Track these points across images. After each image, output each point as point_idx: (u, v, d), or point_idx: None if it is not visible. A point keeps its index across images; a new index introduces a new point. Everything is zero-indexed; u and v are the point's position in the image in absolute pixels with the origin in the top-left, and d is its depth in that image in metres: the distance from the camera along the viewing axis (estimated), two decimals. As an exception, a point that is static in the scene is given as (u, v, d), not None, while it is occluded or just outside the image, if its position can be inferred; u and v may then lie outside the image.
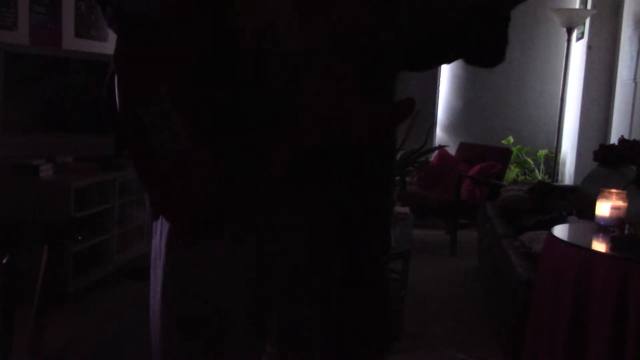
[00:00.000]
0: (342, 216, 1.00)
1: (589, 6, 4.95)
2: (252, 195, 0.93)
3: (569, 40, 4.80)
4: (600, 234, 2.34)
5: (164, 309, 1.04)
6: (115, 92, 0.96)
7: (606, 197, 2.38)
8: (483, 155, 5.10)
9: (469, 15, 0.88)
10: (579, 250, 2.18)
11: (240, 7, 0.91)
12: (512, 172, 5.58)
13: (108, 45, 4.14)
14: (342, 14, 0.91)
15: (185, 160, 0.94)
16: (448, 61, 1.09)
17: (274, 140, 0.91)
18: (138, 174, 0.97)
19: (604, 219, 2.38)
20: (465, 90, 5.89)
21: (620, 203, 2.36)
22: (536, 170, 5.62)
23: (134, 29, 0.95)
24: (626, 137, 3.85)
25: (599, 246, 2.24)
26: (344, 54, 0.90)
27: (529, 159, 5.69)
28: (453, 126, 5.99)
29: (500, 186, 4.47)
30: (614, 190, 2.40)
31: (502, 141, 5.65)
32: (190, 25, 0.94)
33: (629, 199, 2.40)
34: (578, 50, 5.25)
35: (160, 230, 1.05)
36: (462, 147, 5.51)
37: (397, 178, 4.48)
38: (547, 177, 5.41)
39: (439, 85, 5.92)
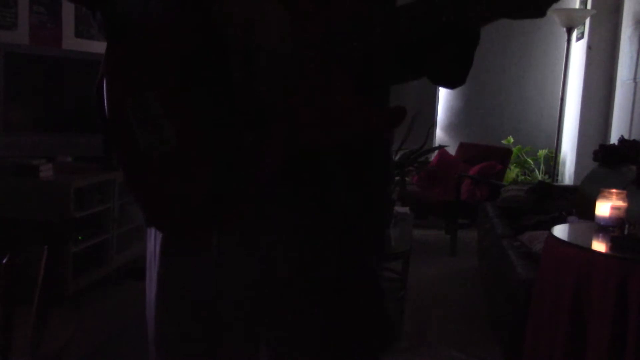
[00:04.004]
0: (336, 217, 1.00)
1: (589, 6, 4.94)
2: (244, 196, 0.93)
3: (569, 40, 4.80)
4: (600, 234, 2.34)
5: (158, 312, 1.05)
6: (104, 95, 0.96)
7: (606, 197, 2.38)
8: (483, 155, 5.10)
9: (465, 18, 0.88)
10: (579, 250, 2.17)
11: (229, 9, 0.91)
12: (512, 172, 5.58)
13: (108, 45, 4.12)
14: (333, 14, 0.91)
15: (174, 162, 0.94)
16: (417, 76, 1.06)
17: (265, 140, 0.91)
18: (125, 177, 0.97)
19: (604, 219, 2.37)
20: (465, 90, 5.89)
21: (620, 203, 2.36)
22: (536, 170, 5.62)
23: (124, 34, 0.95)
24: (626, 137, 3.85)
25: (599, 246, 2.23)
26: (336, 54, 0.90)
27: (529, 159, 5.69)
28: (453, 126, 5.99)
29: (500, 186, 4.47)
30: (614, 190, 2.39)
31: (502, 141, 5.65)
32: (179, 28, 0.94)
33: (629, 199, 2.40)
34: (578, 50, 5.25)
35: (155, 233, 1.05)
36: (462, 147, 5.51)
37: (397, 178, 4.48)
38: (547, 177, 5.40)
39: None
